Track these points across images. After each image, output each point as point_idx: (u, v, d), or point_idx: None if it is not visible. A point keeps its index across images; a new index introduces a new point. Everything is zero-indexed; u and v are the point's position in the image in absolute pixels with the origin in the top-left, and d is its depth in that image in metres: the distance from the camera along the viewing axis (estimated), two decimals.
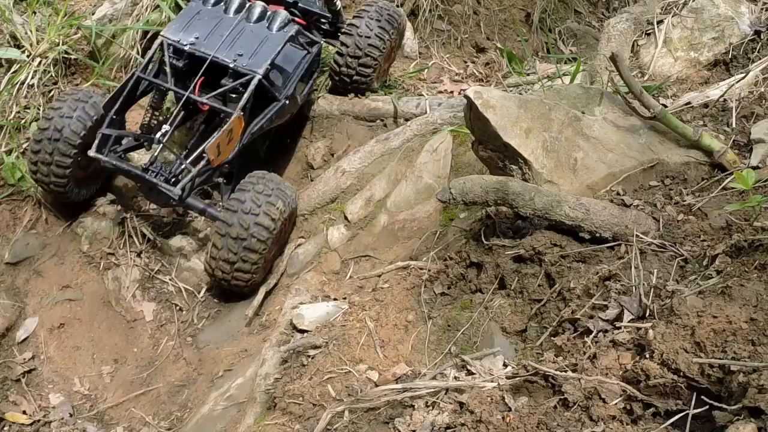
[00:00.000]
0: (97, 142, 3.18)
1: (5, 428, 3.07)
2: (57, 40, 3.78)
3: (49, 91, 3.81)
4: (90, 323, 3.47)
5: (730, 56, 3.41)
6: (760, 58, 3.17)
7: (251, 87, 3.23)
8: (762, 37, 3.40)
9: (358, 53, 3.79)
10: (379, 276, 2.76)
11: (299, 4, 3.80)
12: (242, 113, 3.22)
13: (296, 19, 3.70)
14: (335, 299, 2.79)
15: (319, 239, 3.43)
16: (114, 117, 3.27)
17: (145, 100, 3.55)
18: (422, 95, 4.10)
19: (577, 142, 2.46)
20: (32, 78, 3.70)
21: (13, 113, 3.67)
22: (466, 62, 4.78)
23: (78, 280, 3.56)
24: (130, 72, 3.49)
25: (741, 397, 1.42)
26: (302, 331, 2.61)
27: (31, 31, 3.76)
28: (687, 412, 1.51)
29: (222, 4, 3.51)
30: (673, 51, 3.59)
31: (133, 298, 3.55)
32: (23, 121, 3.69)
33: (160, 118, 3.39)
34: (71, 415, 3.18)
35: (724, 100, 2.79)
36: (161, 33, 3.41)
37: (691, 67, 3.50)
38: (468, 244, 2.49)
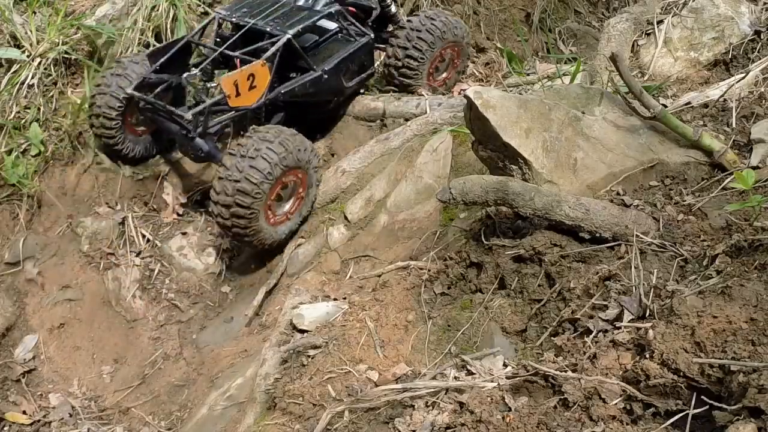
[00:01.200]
0: (136, 83, 3.47)
1: (5, 428, 3.08)
2: (57, 40, 3.79)
3: (49, 91, 3.81)
4: (90, 323, 3.47)
5: (730, 56, 3.41)
6: (760, 58, 3.17)
7: (279, 42, 3.42)
8: (762, 37, 3.40)
9: (406, 45, 3.98)
10: (379, 276, 2.76)
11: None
12: (267, 63, 3.36)
13: (350, 8, 3.95)
14: (335, 299, 2.78)
15: (319, 239, 3.43)
16: (158, 68, 3.51)
17: None
18: (422, 95, 4.10)
19: (577, 142, 2.46)
20: (32, 78, 3.70)
21: (13, 113, 3.67)
22: None
23: (78, 280, 3.56)
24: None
25: (741, 397, 1.42)
26: (302, 331, 2.61)
27: (31, 31, 3.76)
28: (687, 412, 1.51)
29: None
30: (673, 51, 3.59)
31: (133, 298, 3.55)
32: (23, 121, 3.69)
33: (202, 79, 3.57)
34: (71, 415, 3.18)
35: (724, 100, 2.79)
36: (215, 10, 3.81)
37: (691, 67, 3.51)
38: (468, 244, 2.49)
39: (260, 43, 3.49)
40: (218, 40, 3.70)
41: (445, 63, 4.25)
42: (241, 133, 3.47)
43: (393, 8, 4.09)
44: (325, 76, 3.65)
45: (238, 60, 3.47)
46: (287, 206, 3.44)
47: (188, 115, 3.28)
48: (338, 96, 3.88)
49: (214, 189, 3.21)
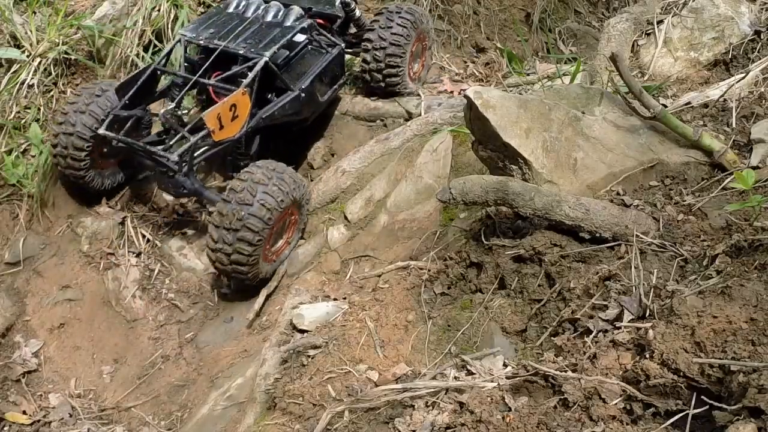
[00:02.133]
0: (107, 121, 3.33)
1: (5, 428, 3.08)
2: (57, 40, 3.79)
3: (49, 91, 3.81)
4: (90, 323, 3.47)
5: (730, 56, 3.41)
6: (760, 58, 3.17)
7: (257, 68, 3.33)
8: (762, 37, 3.40)
9: (383, 44, 3.88)
10: (379, 276, 2.76)
11: (312, 9, 3.88)
12: (247, 90, 3.29)
13: (317, 19, 3.83)
14: (335, 299, 2.78)
15: (319, 239, 3.43)
16: (127, 102, 3.38)
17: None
18: (421, 95, 4.10)
19: (577, 142, 2.46)
20: (32, 78, 3.70)
21: (13, 113, 3.67)
22: (466, 62, 4.78)
23: (78, 280, 3.56)
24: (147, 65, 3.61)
25: (741, 397, 1.42)
26: (302, 331, 2.61)
27: (31, 31, 3.76)
28: (687, 412, 1.51)
29: (240, 7, 3.68)
30: (673, 51, 3.59)
31: (133, 298, 3.55)
32: (23, 121, 3.69)
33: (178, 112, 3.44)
34: (71, 415, 3.18)
35: (724, 100, 2.79)
36: (179, 31, 3.60)
37: (691, 67, 3.50)
38: (468, 244, 2.49)
39: (234, 69, 3.37)
40: (186, 65, 3.53)
41: (416, 54, 4.14)
42: (228, 169, 3.43)
43: (357, 12, 4.03)
44: (303, 95, 3.57)
45: (211, 89, 3.42)
46: (282, 241, 3.39)
47: (174, 157, 3.16)
48: (315, 111, 3.80)
49: (211, 237, 3.10)
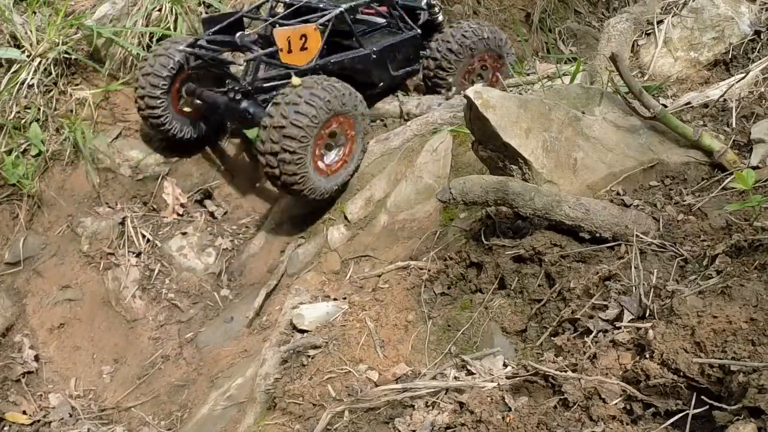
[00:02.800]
0: (188, 42, 3.68)
1: (5, 428, 3.08)
2: (57, 40, 3.79)
3: (49, 91, 3.81)
4: (90, 323, 3.47)
5: (730, 56, 3.41)
6: (760, 58, 3.17)
7: (333, 13, 3.57)
8: (762, 37, 3.39)
9: (437, 56, 4.10)
10: (379, 276, 2.76)
11: (399, 2, 4.13)
12: (319, 27, 3.51)
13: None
14: (335, 299, 2.78)
15: (319, 239, 3.43)
16: (209, 34, 3.64)
17: None
18: (422, 95, 4.10)
19: (577, 142, 2.46)
20: (32, 78, 3.70)
21: (13, 113, 3.67)
22: None
23: (78, 280, 3.56)
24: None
25: (741, 397, 1.42)
26: (302, 331, 2.61)
27: (31, 31, 3.76)
28: (687, 412, 1.51)
29: None
30: (673, 51, 3.59)
31: (133, 298, 3.55)
32: (23, 121, 3.69)
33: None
34: (71, 415, 3.18)
35: (724, 100, 2.79)
36: None
37: (691, 67, 3.50)
38: (468, 244, 2.49)
39: (312, 15, 3.61)
40: (271, 18, 3.80)
41: (484, 72, 4.31)
42: None
43: (440, 17, 4.23)
44: (374, 56, 3.81)
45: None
46: (336, 156, 3.46)
47: (241, 61, 3.44)
48: (384, 81, 3.99)
49: (260, 140, 3.24)
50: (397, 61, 4.01)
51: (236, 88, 3.48)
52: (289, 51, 3.41)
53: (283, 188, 3.40)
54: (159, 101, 3.71)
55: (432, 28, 4.24)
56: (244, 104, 3.46)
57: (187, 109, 3.88)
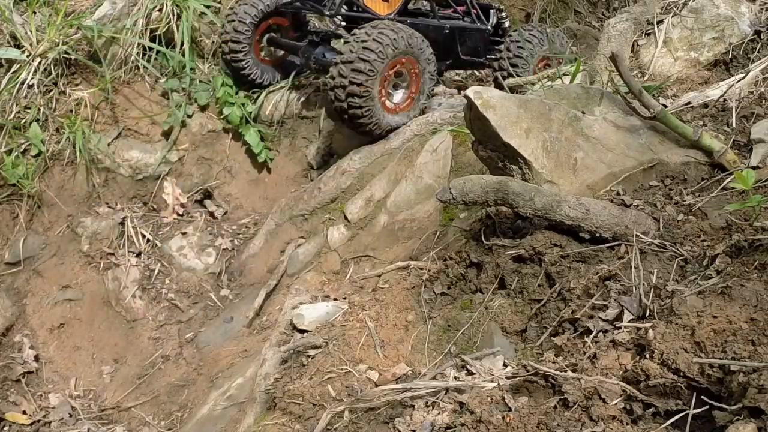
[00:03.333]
0: None
1: (5, 428, 3.08)
2: (57, 40, 3.78)
3: (49, 91, 3.81)
4: (90, 323, 3.47)
5: (730, 56, 3.41)
6: (760, 58, 3.17)
7: None
8: (762, 37, 3.39)
9: (509, 55, 4.36)
10: (379, 276, 2.76)
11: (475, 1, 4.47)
12: None
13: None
14: (335, 299, 2.78)
15: (319, 239, 3.43)
16: None
17: None
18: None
19: (577, 142, 2.46)
20: (32, 78, 3.70)
21: (13, 113, 3.67)
22: None
23: (78, 280, 3.56)
24: None
25: (741, 397, 1.42)
26: (302, 331, 2.61)
27: (31, 31, 3.76)
28: (687, 412, 1.51)
29: None
30: (673, 51, 3.59)
31: (133, 298, 3.55)
32: (23, 121, 3.69)
33: None
34: (71, 415, 3.18)
35: (724, 100, 2.79)
36: None
37: (691, 67, 3.50)
38: (468, 244, 2.49)
39: None
40: None
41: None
42: None
43: (507, 23, 4.53)
44: (446, 31, 4.10)
45: None
46: (402, 95, 3.66)
47: (336, 13, 3.71)
48: (450, 59, 4.24)
49: (331, 76, 3.44)
50: (466, 46, 4.28)
51: (317, 31, 3.98)
52: None
53: (350, 122, 3.56)
54: (242, 46, 4.07)
55: (500, 32, 4.53)
56: (319, 49, 3.87)
57: (267, 57, 4.29)
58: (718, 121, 2.70)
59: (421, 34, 3.67)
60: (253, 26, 4.08)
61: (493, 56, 4.40)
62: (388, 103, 3.57)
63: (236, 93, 4.22)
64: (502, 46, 4.38)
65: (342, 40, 3.62)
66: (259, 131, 4.19)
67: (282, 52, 4.35)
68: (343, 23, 3.81)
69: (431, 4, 4.15)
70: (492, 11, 4.50)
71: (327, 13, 3.81)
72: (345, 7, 3.83)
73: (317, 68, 3.97)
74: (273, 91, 4.30)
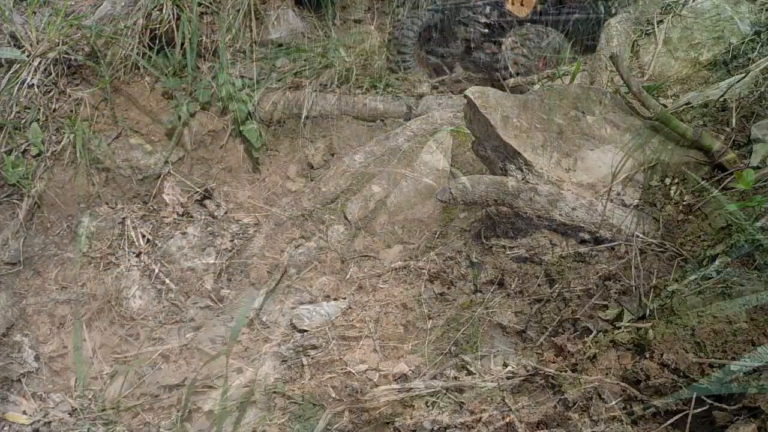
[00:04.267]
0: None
1: (5, 428, 3.07)
2: (57, 40, 3.78)
3: (49, 91, 3.81)
4: (90, 323, 3.47)
5: (730, 56, 3.41)
6: (760, 58, 3.17)
7: None
8: (762, 37, 3.39)
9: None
10: (379, 276, 2.76)
11: None
12: None
13: None
14: (335, 299, 2.78)
15: (319, 239, 3.43)
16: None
17: None
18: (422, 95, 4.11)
19: (577, 142, 2.46)
20: (32, 78, 3.70)
21: (13, 113, 3.67)
22: None
23: (78, 280, 3.56)
24: None
25: (741, 397, 1.42)
26: (302, 331, 2.61)
27: (31, 31, 3.76)
28: (687, 412, 1.51)
29: None
30: (673, 51, 3.59)
31: (133, 298, 3.55)
32: (23, 121, 3.69)
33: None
34: (71, 415, 3.18)
35: (724, 100, 2.79)
36: None
37: (691, 67, 3.50)
38: (468, 244, 2.49)
39: None
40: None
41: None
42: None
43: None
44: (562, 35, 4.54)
45: None
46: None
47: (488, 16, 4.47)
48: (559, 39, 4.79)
49: (511, 48, 4.22)
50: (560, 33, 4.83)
51: (476, 33, 4.55)
52: (512, 3, 4.52)
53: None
54: (408, 48, 4.66)
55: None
56: (475, 54, 4.54)
57: (427, 59, 4.82)
58: (718, 121, 2.70)
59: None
60: (418, 33, 4.74)
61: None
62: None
63: (239, 90, 4.20)
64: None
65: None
66: (259, 131, 4.19)
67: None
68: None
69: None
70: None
71: (482, 23, 4.52)
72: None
73: (475, 70, 4.60)
74: (272, 89, 4.30)
